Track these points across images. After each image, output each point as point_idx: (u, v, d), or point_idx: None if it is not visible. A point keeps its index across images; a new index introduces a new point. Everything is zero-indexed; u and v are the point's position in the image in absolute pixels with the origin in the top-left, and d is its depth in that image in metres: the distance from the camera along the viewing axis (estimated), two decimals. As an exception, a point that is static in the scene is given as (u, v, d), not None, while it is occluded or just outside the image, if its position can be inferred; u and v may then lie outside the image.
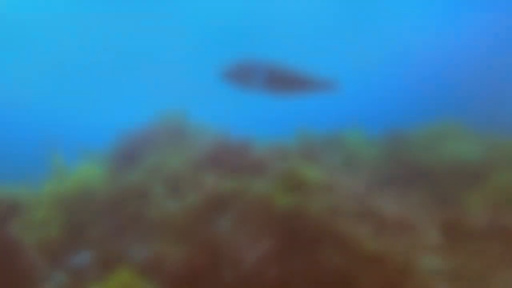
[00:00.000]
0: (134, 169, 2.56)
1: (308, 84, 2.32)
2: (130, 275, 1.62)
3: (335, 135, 4.84)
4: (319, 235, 1.80)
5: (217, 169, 2.28)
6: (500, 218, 1.94)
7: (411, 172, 4.21)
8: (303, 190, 1.97)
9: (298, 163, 2.06)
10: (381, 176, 4.27)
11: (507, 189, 2.44)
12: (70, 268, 2.38)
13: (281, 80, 2.30)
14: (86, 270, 2.30)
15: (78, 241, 2.81)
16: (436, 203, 2.71)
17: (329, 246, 1.70)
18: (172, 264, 1.84)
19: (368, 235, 1.77)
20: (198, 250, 1.85)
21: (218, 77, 2.36)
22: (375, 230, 1.83)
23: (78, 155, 3.52)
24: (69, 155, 3.56)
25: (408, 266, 1.55)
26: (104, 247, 2.41)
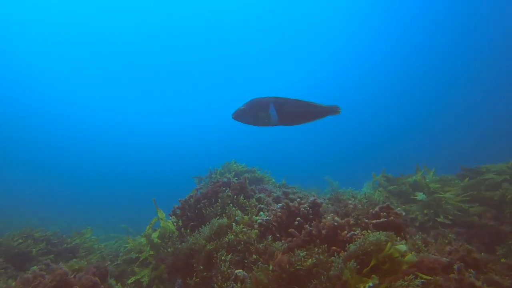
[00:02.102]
0: (202, 229, 2.52)
1: (318, 111, 2.45)
2: None
3: (407, 178, 4.41)
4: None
5: (287, 237, 2.12)
6: None
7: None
8: (390, 271, 1.72)
9: (383, 236, 1.80)
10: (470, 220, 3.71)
11: None
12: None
13: (292, 111, 2.42)
14: None
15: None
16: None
17: None
18: None
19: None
20: None
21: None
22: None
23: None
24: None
25: None
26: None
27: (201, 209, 2.78)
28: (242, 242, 2.23)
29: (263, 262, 2.04)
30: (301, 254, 1.90)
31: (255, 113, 2.41)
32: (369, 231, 1.96)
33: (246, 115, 2.43)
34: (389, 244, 1.76)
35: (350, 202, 2.48)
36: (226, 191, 2.85)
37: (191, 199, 2.90)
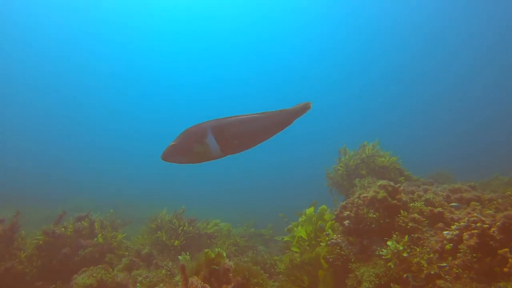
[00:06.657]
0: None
1: (278, 120, 1.84)
2: None
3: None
4: None
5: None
6: None
7: None
8: None
9: None
10: None
11: None
12: None
13: (237, 133, 1.82)
14: None
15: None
16: None
17: None
18: None
19: None
20: None
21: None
22: None
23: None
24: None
25: None
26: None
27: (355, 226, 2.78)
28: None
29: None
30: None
31: (189, 147, 1.82)
32: None
33: (177, 154, 1.84)
34: None
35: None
36: (368, 212, 2.65)
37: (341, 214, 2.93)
